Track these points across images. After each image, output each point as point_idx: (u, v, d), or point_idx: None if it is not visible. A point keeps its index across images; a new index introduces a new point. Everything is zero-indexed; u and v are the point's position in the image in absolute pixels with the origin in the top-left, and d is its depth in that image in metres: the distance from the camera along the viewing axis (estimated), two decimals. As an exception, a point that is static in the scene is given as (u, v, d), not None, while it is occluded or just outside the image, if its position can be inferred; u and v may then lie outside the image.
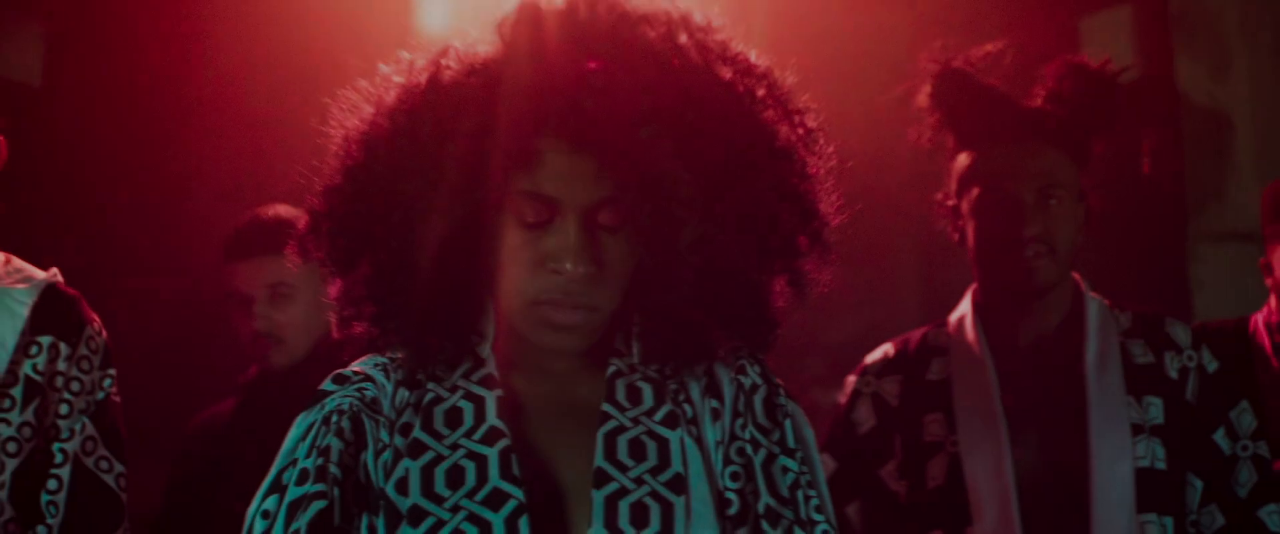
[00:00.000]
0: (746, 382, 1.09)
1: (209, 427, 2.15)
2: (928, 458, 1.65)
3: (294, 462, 1.02)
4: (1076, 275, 1.75)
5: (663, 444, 1.03)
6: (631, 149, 0.99)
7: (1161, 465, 1.59)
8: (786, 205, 1.04)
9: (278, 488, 1.01)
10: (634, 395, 1.06)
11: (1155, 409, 1.62)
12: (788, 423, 1.08)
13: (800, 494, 1.05)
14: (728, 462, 1.05)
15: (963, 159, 1.70)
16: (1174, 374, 1.64)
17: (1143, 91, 3.96)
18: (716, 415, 1.08)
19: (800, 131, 1.05)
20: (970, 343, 1.68)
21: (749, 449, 1.06)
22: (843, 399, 1.79)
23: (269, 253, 2.03)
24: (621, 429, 1.04)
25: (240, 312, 2.12)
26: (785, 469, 1.06)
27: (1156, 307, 3.40)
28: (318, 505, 0.99)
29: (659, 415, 1.05)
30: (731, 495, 1.03)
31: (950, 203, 1.73)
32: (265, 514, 1.01)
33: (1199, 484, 1.60)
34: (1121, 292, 4.41)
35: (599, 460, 1.01)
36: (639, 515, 0.99)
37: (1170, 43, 4.00)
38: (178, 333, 2.22)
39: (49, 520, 1.58)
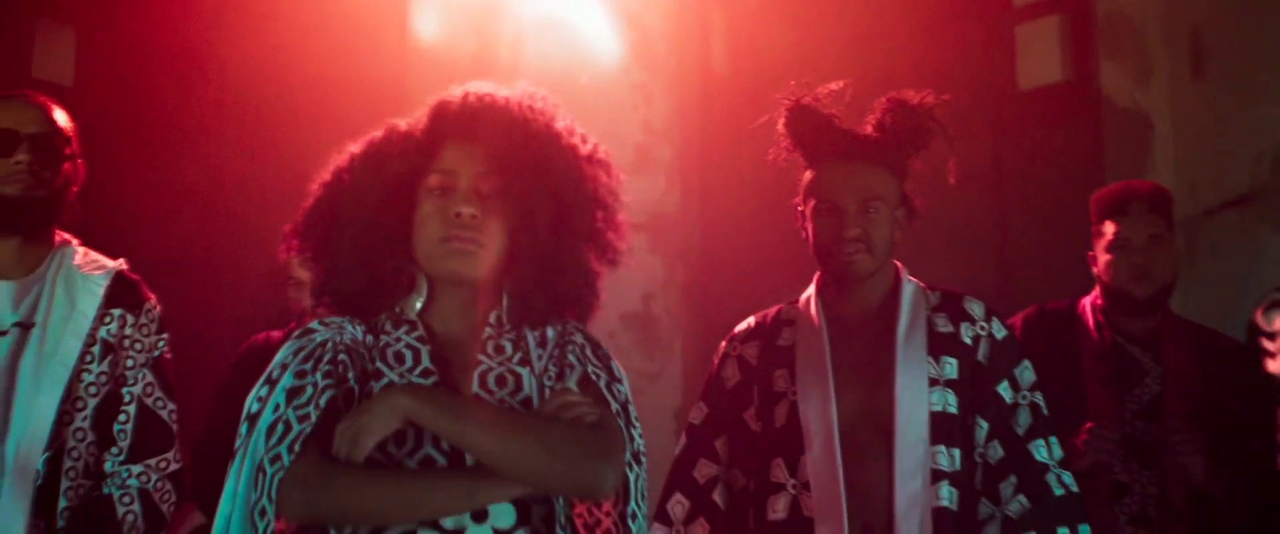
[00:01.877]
0: (577, 339, 1.70)
1: (254, 352, 2.74)
2: (775, 404, 2.18)
3: (285, 365, 1.59)
4: (897, 263, 2.25)
5: (518, 378, 1.64)
6: (502, 139, 1.65)
7: (953, 410, 2.11)
8: (599, 212, 1.66)
9: (269, 381, 1.58)
10: (500, 348, 1.66)
11: (950, 367, 2.13)
12: (613, 365, 1.71)
13: (603, 384, 1.66)
14: (559, 378, 1.67)
15: (807, 175, 2.22)
16: (968, 340, 2.16)
17: (1069, 95, 4.39)
18: (544, 357, 1.67)
19: (605, 170, 1.69)
20: (811, 316, 2.21)
21: (575, 368, 1.68)
22: (716, 359, 2.31)
23: None
24: (490, 370, 1.64)
25: (297, 290, 2.72)
26: (597, 375, 1.67)
27: (1082, 291, 3.87)
28: (320, 390, 1.56)
29: (515, 360, 1.65)
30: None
31: (799, 209, 2.24)
32: (260, 399, 1.57)
33: (985, 425, 2.12)
34: (1049, 276, 4.79)
35: (474, 388, 1.61)
36: None
37: (1095, 50, 4.35)
38: (201, 311, 2.70)
39: (121, 442, 2.20)
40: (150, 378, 2.25)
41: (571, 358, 1.69)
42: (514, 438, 1.55)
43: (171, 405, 2.27)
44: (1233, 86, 3.87)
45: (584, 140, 1.71)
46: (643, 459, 1.69)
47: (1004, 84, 4.35)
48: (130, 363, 2.24)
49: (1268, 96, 3.68)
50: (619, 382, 1.71)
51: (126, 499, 2.17)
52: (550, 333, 1.71)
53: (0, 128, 2.19)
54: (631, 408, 1.70)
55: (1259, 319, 2.44)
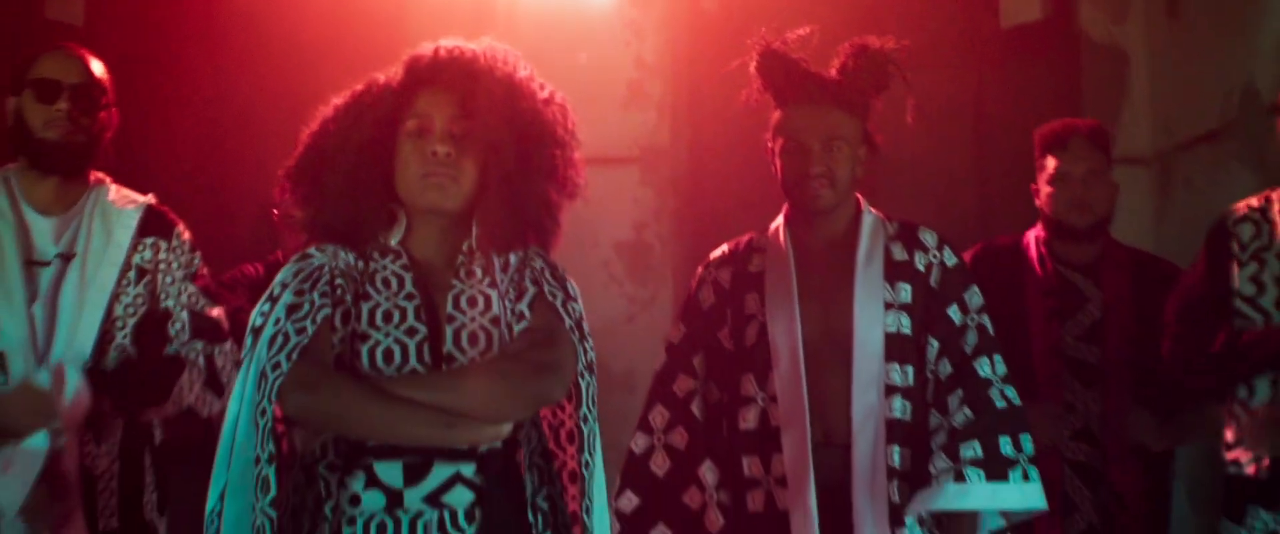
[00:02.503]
0: (537, 263, 1.94)
1: (235, 281, 2.99)
2: (746, 325, 2.41)
3: (285, 285, 1.84)
4: (858, 195, 2.46)
5: (486, 298, 1.89)
6: (470, 86, 1.88)
7: (907, 331, 2.33)
8: (558, 150, 1.89)
9: (271, 299, 1.82)
10: (471, 273, 1.90)
11: (905, 292, 2.35)
12: (569, 285, 1.96)
13: (559, 303, 1.95)
14: (518, 299, 1.93)
15: (776, 115, 2.41)
16: (922, 267, 2.37)
17: (1049, 31, 4.52)
18: (505, 280, 1.93)
19: (562, 113, 1.93)
20: (779, 245, 2.42)
21: (531, 289, 1.93)
22: (693, 283, 2.53)
23: None
24: (462, 292, 1.92)
25: (292, 231, 2.96)
26: (554, 294, 1.91)
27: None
28: (317, 307, 1.80)
29: (484, 283, 1.89)
30: (524, 311, 1.91)
31: (769, 146, 2.43)
32: (263, 314, 1.81)
33: (936, 344, 2.35)
34: (1029, 210, 4.95)
35: (448, 309, 1.90)
36: (473, 339, 1.86)
37: (1075, -14, 4.49)
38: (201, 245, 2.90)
39: (178, 336, 2.43)
40: (192, 288, 2.50)
41: (529, 280, 1.94)
42: (474, 379, 1.84)
43: (218, 307, 2.52)
44: (1206, 23, 3.98)
45: (542, 87, 1.94)
46: (594, 369, 1.94)
47: (986, 22, 4.48)
48: (169, 281, 2.48)
49: (1239, 32, 3.78)
50: (573, 300, 1.97)
51: (192, 356, 2.44)
52: (513, 258, 1.96)
53: (44, 77, 2.40)
54: (584, 324, 1.95)
55: (1227, 226, 2.61)
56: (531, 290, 1.95)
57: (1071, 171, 2.91)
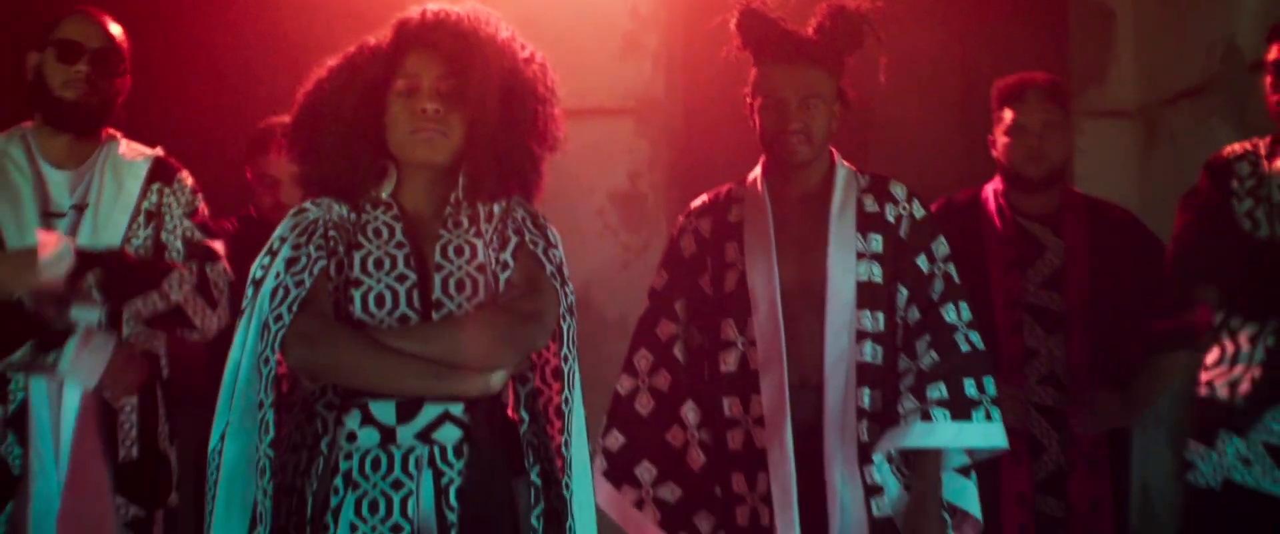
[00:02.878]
0: (519, 213, 2.06)
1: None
2: (726, 272, 2.53)
3: (283, 239, 1.97)
4: (832, 149, 2.57)
5: (473, 247, 2.02)
6: (456, 46, 2.00)
7: (877, 280, 2.46)
8: (539, 105, 2.00)
9: (270, 252, 1.96)
10: (458, 223, 2.03)
11: (876, 242, 2.48)
12: (549, 232, 2.07)
13: (540, 250, 2.08)
14: (502, 247, 2.05)
15: (754, 72, 2.51)
16: (892, 219, 2.49)
17: None
18: (490, 229, 2.05)
19: (542, 71, 2.03)
20: (758, 196, 2.54)
21: (514, 238, 2.06)
22: (675, 232, 2.66)
23: None
24: (449, 241, 2.05)
25: (269, 190, 3.05)
26: (535, 242, 2.04)
27: None
28: (313, 260, 1.93)
29: (470, 232, 2.02)
30: (508, 259, 2.02)
31: (749, 102, 2.54)
32: (263, 267, 1.95)
33: (905, 292, 2.47)
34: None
35: (437, 258, 2.03)
36: (460, 285, 1.99)
37: (1061, -59, 4.46)
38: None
39: (176, 259, 2.59)
40: (189, 224, 2.66)
41: (512, 230, 2.07)
42: (460, 330, 1.98)
43: (217, 238, 2.69)
44: (1190, -20, 4.06)
45: (523, 47, 2.06)
46: (574, 312, 2.07)
47: (974, -23, 4.56)
48: (169, 220, 2.64)
49: (1221, -13, 3.85)
50: (554, 247, 2.10)
51: (185, 264, 2.60)
52: (497, 208, 2.09)
53: (67, 38, 2.55)
54: (565, 269, 2.09)
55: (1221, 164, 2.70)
56: (514, 239, 2.08)
57: (1028, 124, 2.99)
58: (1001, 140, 3.07)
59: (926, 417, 2.38)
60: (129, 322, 2.50)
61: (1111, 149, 4.38)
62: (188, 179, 2.69)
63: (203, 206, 2.70)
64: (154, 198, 2.62)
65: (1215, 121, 3.98)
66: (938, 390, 2.39)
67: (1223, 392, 2.60)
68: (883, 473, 2.42)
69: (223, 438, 1.95)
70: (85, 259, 2.46)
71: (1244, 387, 2.56)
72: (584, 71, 4.78)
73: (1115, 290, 2.91)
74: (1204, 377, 2.66)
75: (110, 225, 2.54)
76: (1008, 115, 3.04)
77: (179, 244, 2.61)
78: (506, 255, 2.06)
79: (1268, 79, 2.73)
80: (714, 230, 2.58)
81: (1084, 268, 2.95)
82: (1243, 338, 2.58)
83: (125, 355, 2.52)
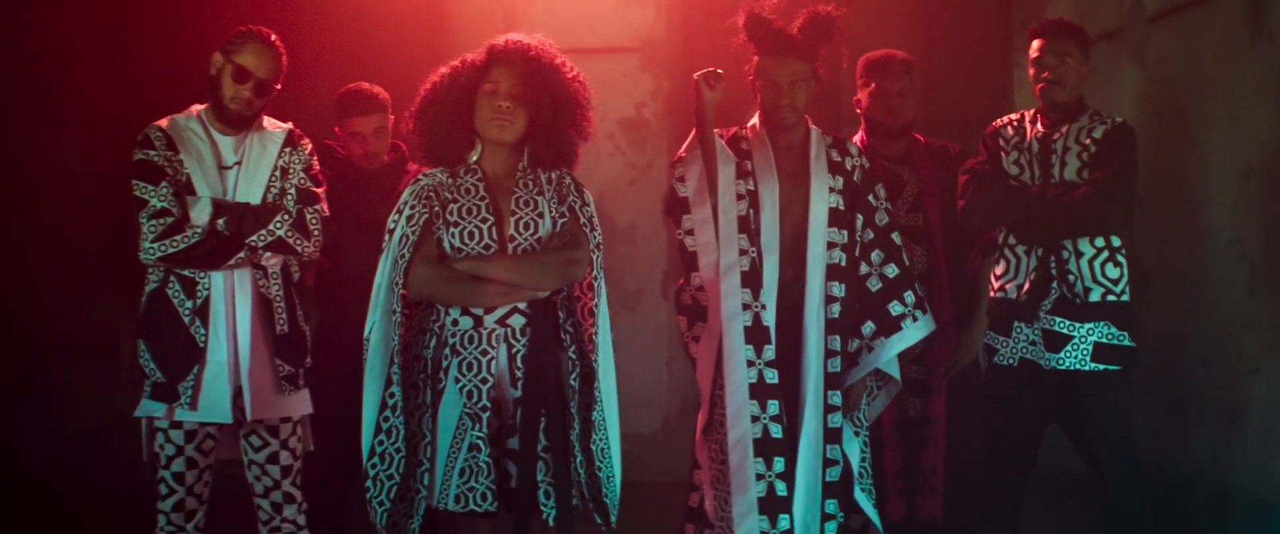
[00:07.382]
0: (567, 180, 3.33)
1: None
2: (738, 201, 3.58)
3: (406, 202, 3.18)
4: (808, 117, 3.65)
5: (535, 201, 3.28)
6: (526, 64, 3.22)
7: (841, 207, 3.59)
8: (578, 108, 3.27)
9: (398, 210, 3.13)
10: (524, 184, 3.28)
11: (839, 182, 3.60)
12: (584, 194, 3.35)
13: (579, 207, 3.31)
14: (560, 202, 3.30)
15: (755, 60, 3.57)
16: (849, 168, 3.63)
17: None
18: (549, 190, 3.30)
19: (582, 85, 3.28)
20: (762, 139, 3.60)
21: (566, 197, 3.31)
22: (675, 167, 3.69)
23: (378, 110, 4.13)
24: (519, 195, 3.27)
25: (359, 143, 4.12)
26: (577, 202, 3.32)
27: (984, 101, 5.13)
28: (422, 215, 3.10)
29: (532, 191, 3.28)
30: (563, 211, 3.30)
31: (752, 81, 3.60)
32: (393, 220, 3.19)
33: (861, 218, 3.61)
34: (958, 90, 6.00)
35: (511, 206, 3.25)
36: (525, 225, 3.25)
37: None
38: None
39: (290, 206, 3.59)
40: (304, 176, 3.61)
41: (561, 192, 3.27)
42: (526, 263, 3.18)
43: (322, 186, 3.62)
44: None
45: (571, 68, 3.24)
46: (601, 247, 3.26)
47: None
48: (293, 174, 3.59)
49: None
50: (588, 205, 3.28)
51: (289, 206, 3.49)
52: (553, 175, 3.29)
53: (243, 66, 3.45)
54: (595, 219, 3.29)
55: (997, 129, 3.81)
56: (567, 198, 3.28)
57: (888, 89, 4.06)
58: (866, 101, 4.14)
59: (897, 328, 3.57)
60: (247, 248, 3.47)
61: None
62: (307, 145, 3.62)
63: (315, 164, 3.63)
64: (285, 158, 3.56)
65: (1125, 65, 4.94)
66: (900, 306, 3.60)
67: (1012, 293, 3.74)
68: (836, 345, 3.59)
69: (371, 329, 3.15)
70: (219, 208, 3.45)
71: (1026, 287, 3.70)
72: (597, 16, 5.79)
73: (955, 209, 3.95)
74: (996, 284, 3.80)
75: (258, 176, 3.50)
76: (873, 84, 4.08)
77: (293, 189, 3.54)
78: (563, 208, 3.23)
79: (1030, 71, 3.80)
80: (730, 142, 3.60)
81: (935, 192, 4.06)
82: (1019, 251, 3.71)
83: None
